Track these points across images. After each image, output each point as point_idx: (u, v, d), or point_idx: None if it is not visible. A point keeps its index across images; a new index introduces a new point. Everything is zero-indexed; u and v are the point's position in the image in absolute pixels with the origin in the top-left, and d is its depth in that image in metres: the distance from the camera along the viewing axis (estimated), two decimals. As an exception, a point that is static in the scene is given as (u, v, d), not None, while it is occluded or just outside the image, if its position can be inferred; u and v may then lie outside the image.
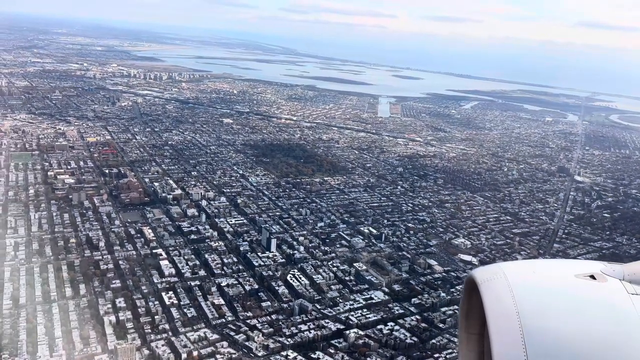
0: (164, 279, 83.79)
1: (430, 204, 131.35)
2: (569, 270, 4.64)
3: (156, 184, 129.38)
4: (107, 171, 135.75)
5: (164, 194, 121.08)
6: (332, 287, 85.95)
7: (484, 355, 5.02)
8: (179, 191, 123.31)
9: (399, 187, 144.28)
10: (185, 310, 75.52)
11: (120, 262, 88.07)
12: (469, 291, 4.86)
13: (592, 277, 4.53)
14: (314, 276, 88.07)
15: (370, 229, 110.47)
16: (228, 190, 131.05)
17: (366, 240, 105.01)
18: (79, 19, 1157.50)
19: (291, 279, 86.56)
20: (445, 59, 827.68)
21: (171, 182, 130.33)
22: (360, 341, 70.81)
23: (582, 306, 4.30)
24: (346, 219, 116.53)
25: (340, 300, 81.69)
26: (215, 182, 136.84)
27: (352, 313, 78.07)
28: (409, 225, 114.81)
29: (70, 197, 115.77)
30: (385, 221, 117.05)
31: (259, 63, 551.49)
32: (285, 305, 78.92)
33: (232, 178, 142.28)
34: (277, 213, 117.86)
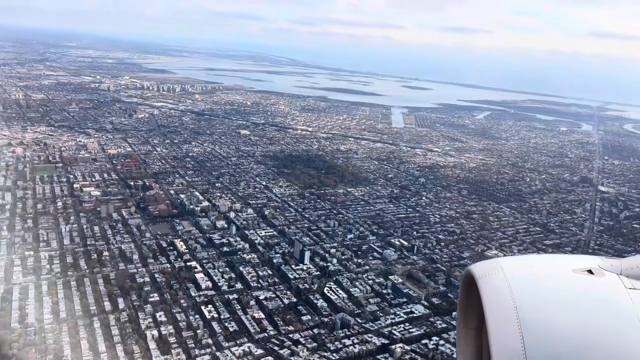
0: (201, 292, 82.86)
1: (457, 215, 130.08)
2: (566, 265, 4.61)
3: (182, 195, 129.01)
4: (132, 183, 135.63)
5: (191, 206, 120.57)
6: (371, 300, 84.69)
7: (482, 349, 4.96)
8: (206, 203, 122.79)
9: (424, 198, 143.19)
10: (226, 324, 74.47)
11: (156, 275, 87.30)
12: (467, 286, 4.82)
13: (590, 271, 4.50)
14: (350, 289, 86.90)
15: (401, 240, 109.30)
16: (253, 201, 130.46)
17: (398, 253, 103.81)
18: (87, 33, 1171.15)
19: (328, 292, 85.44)
20: (453, 70, 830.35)
21: (197, 193, 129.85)
22: (407, 356, 69.45)
23: (580, 301, 4.27)
24: (375, 230, 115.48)
25: (381, 314, 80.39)
26: (240, 194, 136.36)
27: (395, 327, 76.70)
28: (440, 237, 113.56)
29: (98, 209, 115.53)
30: (415, 233, 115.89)
31: (268, 74, 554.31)
32: (326, 319, 77.70)
33: (256, 189, 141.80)
34: (305, 225, 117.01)
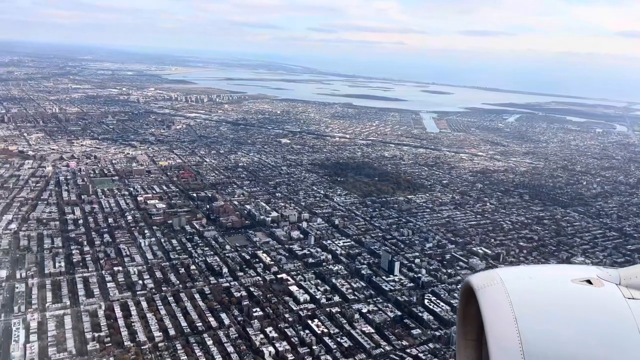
0: (301, 306, 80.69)
1: (528, 221, 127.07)
2: (565, 275, 4.54)
3: (247, 206, 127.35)
4: (194, 195, 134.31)
5: (261, 217, 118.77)
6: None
7: None
8: (275, 213, 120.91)
9: (488, 204, 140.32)
10: (338, 339, 72.14)
11: (251, 288, 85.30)
12: (465, 297, 4.71)
13: (589, 282, 4.42)
14: (451, 301, 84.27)
15: (483, 249, 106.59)
16: (319, 211, 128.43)
17: (484, 262, 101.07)
18: (101, 46, 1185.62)
19: (429, 304, 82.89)
20: (470, 74, 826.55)
21: (263, 204, 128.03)
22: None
23: (580, 311, 4.22)
24: (452, 238, 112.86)
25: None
26: (302, 203, 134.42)
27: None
28: (520, 244, 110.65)
29: (169, 222, 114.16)
30: (493, 240, 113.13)
31: (287, 83, 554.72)
32: (437, 333, 75.11)
33: (317, 198, 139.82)
34: (379, 234, 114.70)
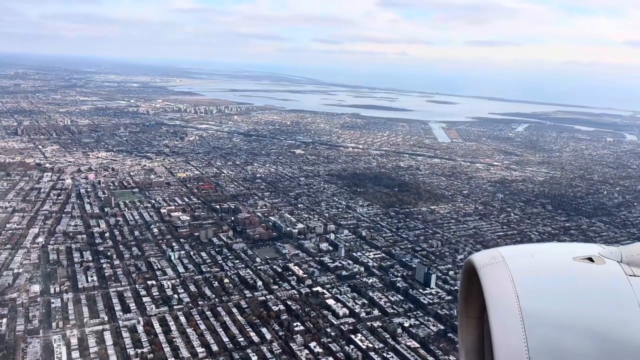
0: (341, 320, 79.29)
1: (555, 231, 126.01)
2: (567, 253, 4.57)
3: (272, 218, 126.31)
4: (217, 207, 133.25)
5: (287, 228, 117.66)
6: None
7: (484, 338, 4.95)
8: (301, 225, 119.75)
9: (512, 214, 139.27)
10: (384, 354, 70.71)
11: (288, 302, 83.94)
12: (468, 276, 4.77)
13: (590, 259, 4.46)
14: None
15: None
16: (344, 222, 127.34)
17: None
18: (103, 58, 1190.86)
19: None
20: (472, 84, 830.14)
21: (287, 215, 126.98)
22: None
23: (581, 288, 4.27)
24: (482, 250, 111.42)
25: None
26: (325, 214, 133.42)
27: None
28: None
29: (196, 234, 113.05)
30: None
31: (292, 94, 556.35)
32: (483, 346, 73.56)
33: (339, 209, 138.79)
34: (408, 245, 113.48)
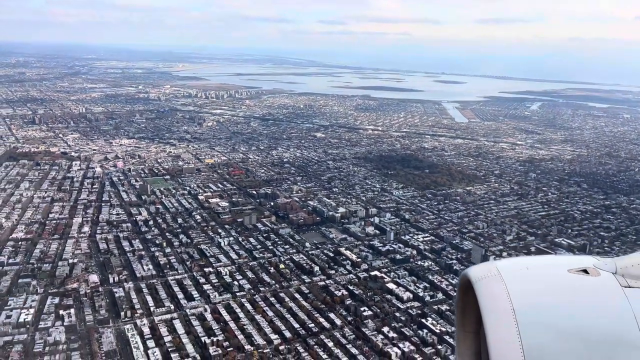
0: (406, 304, 78.69)
1: (597, 210, 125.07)
2: (562, 266, 4.57)
3: (310, 202, 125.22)
4: (253, 192, 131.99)
5: (330, 213, 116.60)
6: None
7: (481, 353, 4.90)
8: (342, 209, 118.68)
9: (549, 194, 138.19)
10: (458, 337, 70.14)
11: (350, 287, 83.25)
12: (463, 290, 4.77)
13: (585, 271, 4.46)
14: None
15: (567, 240, 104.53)
16: (384, 205, 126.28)
17: (572, 253, 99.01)
18: (102, 45, 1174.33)
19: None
20: (476, 63, 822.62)
21: (327, 200, 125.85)
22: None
23: (577, 301, 4.28)
24: (529, 230, 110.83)
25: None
26: (362, 198, 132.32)
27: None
28: (601, 234, 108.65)
29: (239, 220, 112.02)
30: (570, 231, 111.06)
31: (297, 77, 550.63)
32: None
33: (375, 192, 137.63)
34: (454, 227, 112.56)
